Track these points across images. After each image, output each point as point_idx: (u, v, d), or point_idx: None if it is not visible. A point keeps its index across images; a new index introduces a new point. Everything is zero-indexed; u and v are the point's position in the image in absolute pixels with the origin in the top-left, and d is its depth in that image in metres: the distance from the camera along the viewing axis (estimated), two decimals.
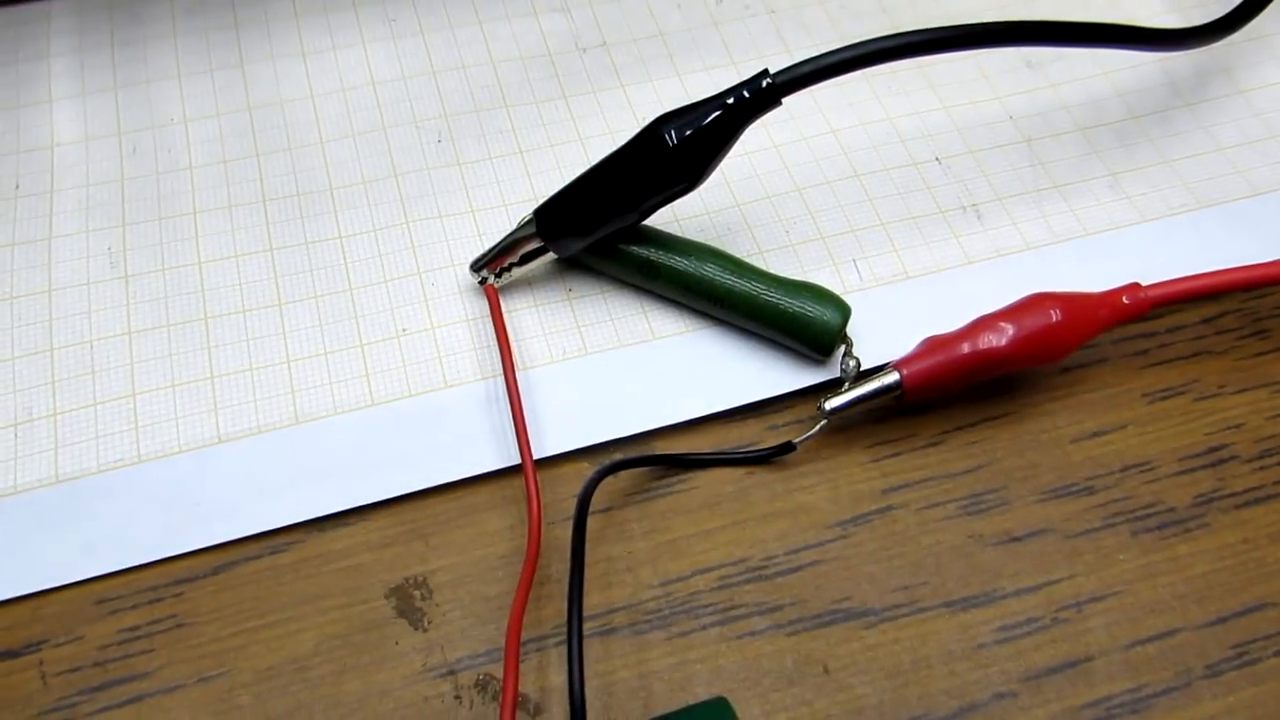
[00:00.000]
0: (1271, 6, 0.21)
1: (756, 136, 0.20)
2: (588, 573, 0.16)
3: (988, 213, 0.20)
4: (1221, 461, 0.18)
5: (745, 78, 0.17)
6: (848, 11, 0.23)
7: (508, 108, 0.21)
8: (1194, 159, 0.21)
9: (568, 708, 0.15)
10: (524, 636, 0.16)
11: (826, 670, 0.16)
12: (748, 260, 0.18)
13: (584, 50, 0.22)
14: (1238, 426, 0.18)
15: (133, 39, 0.22)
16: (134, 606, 0.16)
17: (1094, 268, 0.19)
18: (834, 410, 0.17)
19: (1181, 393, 0.19)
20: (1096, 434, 0.18)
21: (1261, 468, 0.18)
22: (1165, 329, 0.19)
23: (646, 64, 0.22)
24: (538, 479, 0.16)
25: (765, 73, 0.16)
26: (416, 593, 0.16)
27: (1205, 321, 0.19)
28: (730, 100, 0.16)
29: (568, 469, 0.17)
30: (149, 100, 0.21)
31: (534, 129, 0.21)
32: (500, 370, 0.18)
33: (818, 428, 0.17)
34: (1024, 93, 0.22)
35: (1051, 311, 0.17)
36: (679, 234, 0.19)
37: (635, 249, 0.18)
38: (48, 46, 0.22)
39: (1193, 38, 0.20)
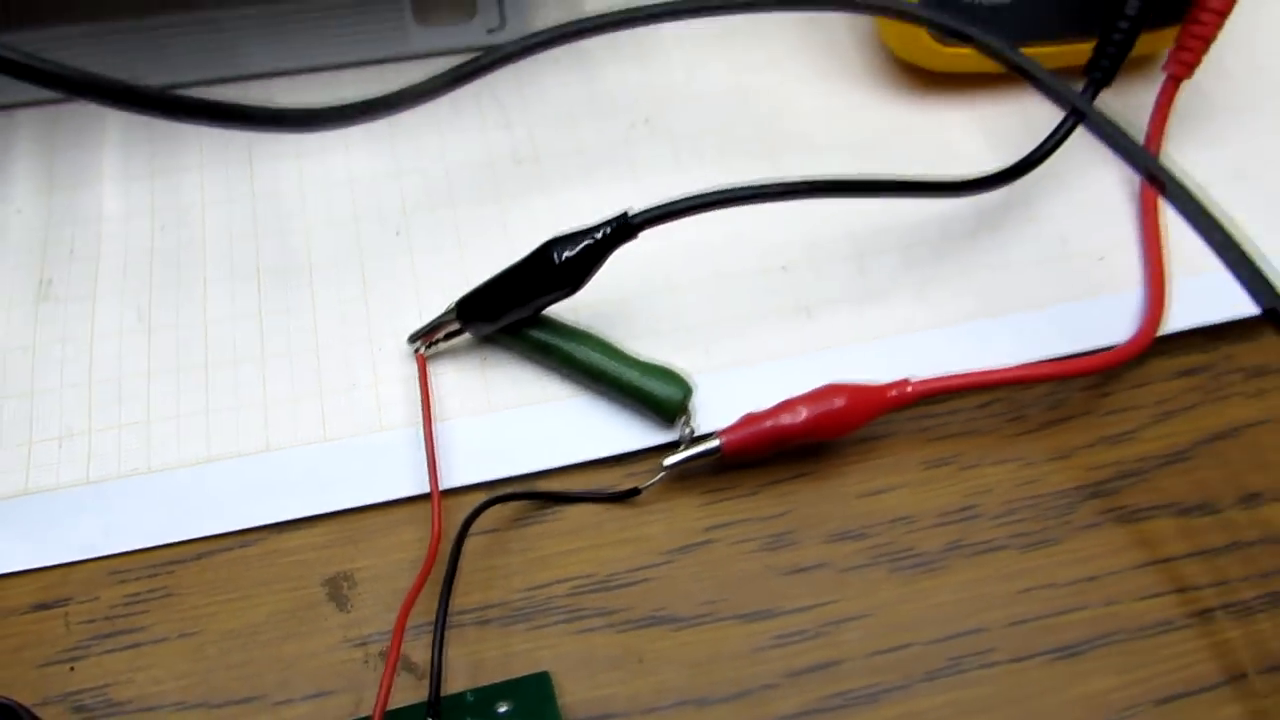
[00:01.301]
0: (1061, 152, 0.26)
1: (637, 242, 0.26)
2: (473, 578, 0.22)
3: (817, 313, 0.26)
4: (970, 518, 0.23)
5: (623, 211, 0.23)
6: (737, 148, 0.28)
7: (454, 207, 0.27)
8: (989, 274, 0.26)
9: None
10: (418, 620, 0.21)
11: (641, 660, 0.21)
12: (618, 344, 0.24)
13: (519, 162, 0.28)
14: (988, 491, 0.24)
15: (167, 133, 0.28)
16: (137, 578, 0.22)
17: (893, 361, 0.25)
18: (670, 466, 0.23)
19: (949, 462, 0.24)
20: (878, 491, 0.24)
21: (1000, 525, 0.23)
22: (946, 410, 0.25)
23: (568, 176, 0.28)
24: (441, 504, 0.22)
25: (626, 214, 0.22)
26: (344, 584, 0.22)
27: (979, 406, 0.25)
28: (598, 235, 0.22)
29: (468, 498, 0.23)
30: (177, 188, 0.27)
31: (472, 226, 0.27)
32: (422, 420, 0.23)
33: (658, 478, 0.23)
34: (860, 214, 0.27)
35: (836, 399, 0.23)
36: (569, 320, 0.25)
37: (533, 332, 0.24)
38: (102, 137, 0.28)
39: (988, 184, 0.26)
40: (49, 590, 0.22)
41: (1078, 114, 0.24)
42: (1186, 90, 0.28)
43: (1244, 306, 0.21)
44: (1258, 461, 0.24)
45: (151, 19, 0.28)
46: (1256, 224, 0.27)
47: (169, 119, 0.19)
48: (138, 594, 0.22)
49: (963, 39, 0.24)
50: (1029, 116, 0.29)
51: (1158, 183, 0.22)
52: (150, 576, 0.22)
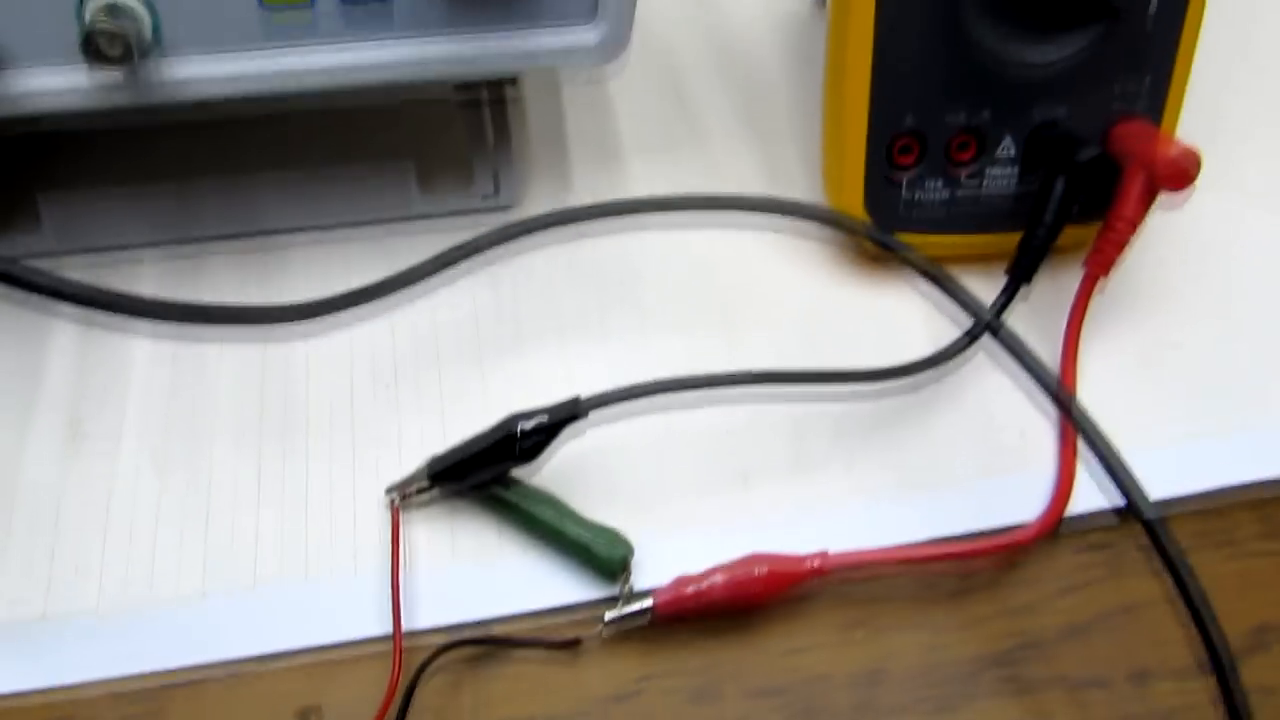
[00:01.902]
0: (977, 347, 0.29)
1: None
2: (424, 717, 0.25)
3: (754, 481, 0.28)
4: (879, 682, 0.26)
5: (575, 396, 0.26)
6: (699, 317, 0.31)
7: (439, 365, 0.30)
8: (915, 448, 0.29)
9: None
10: None
11: None
12: (569, 503, 0.27)
13: (501, 323, 0.31)
14: (897, 655, 0.26)
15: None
16: (133, 702, 0.25)
17: (820, 530, 0.27)
18: (608, 622, 0.25)
19: (865, 625, 0.26)
20: (798, 650, 0.26)
21: (906, 689, 0.26)
22: (865, 576, 0.27)
23: (544, 339, 0.31)
24: (403, 646, 0.25)
25: (578, 399, 0.25)
26: (313, 717, 0.25)
27: (897, 576, 0.27)
28: (553, 416, 0.25)
29: (430, 638, 0.26)
30: (200, 349, 0.30)
31: (454, 384, 0.30)
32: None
33: (597, 630, 0.26)
34: (801, 387, 0.30)
35: (759, 568, 0.25)
36: (529, 478, 0.27)
37: (495, 490, 0.27)
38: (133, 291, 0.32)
39: (899, 374, 0.28)
40: (57, 709, 0.25)
41: (982, 326, 0.26)
42: (1106, 281, 0.31)
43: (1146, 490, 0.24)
44: (1152, 639, 0.27)
45: (184, 183, 0.32)
46: (1162, 410, 0.30)
47: (184, 324, 0.22)
48: (134, 715, 0.25)
49: (885, 248, 0.27)
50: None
51: (1048, 391, 0.24)
52: (147, 700, 0.25)
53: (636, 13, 0.27)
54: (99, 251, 0.32)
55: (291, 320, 0.25)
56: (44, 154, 0.33)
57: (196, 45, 0.26)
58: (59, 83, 0.25)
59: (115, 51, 0.24)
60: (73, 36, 0.24)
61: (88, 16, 0.24)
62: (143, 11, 0.25)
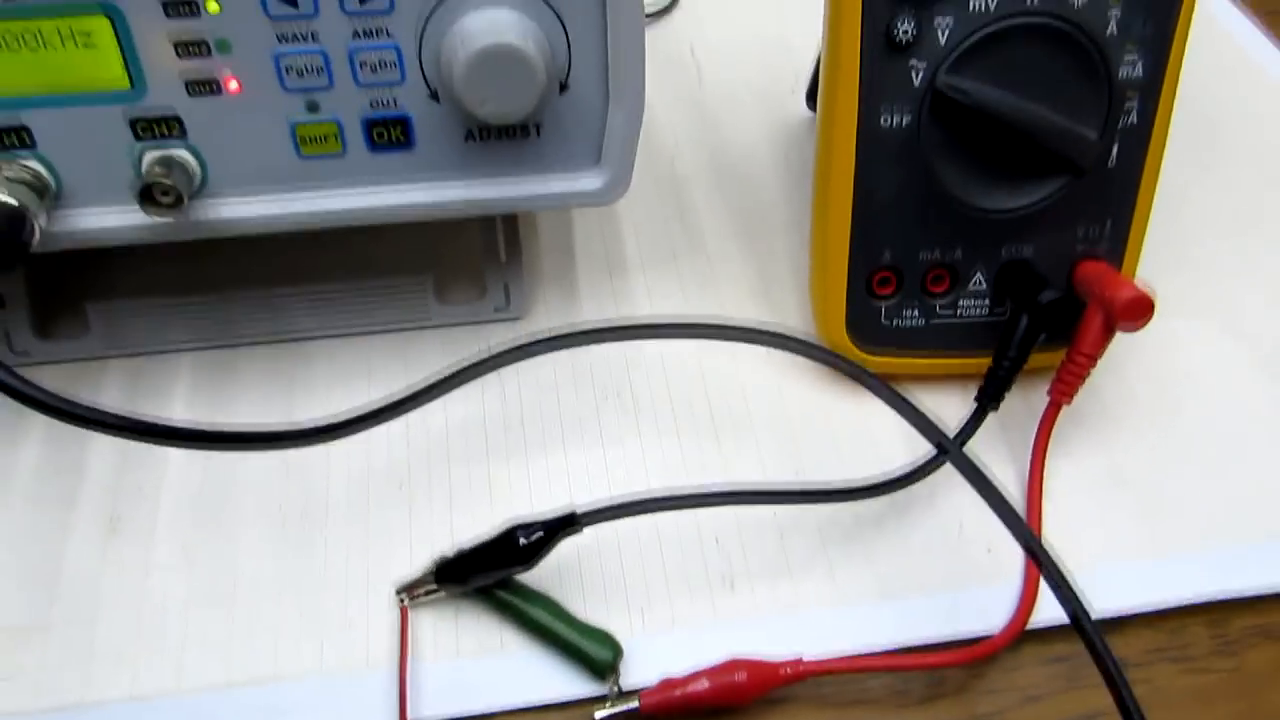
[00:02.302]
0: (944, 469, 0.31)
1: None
2: None
3: (739, 585, 0.30)
4: None
5: (571, 511, 0.28)
6: (690, 423, 0.34)
7: (449, 464, 0.33)
8: (891, 557, 0.31)
9: None
10: None
11: None
12: (565, 605, 0.29)
13: (508, 427, 0.34)
14: None
15: (224, 398, 0.35)
16: None
17: (799, 634, 0.29)
18: (601, 719, 0.27)
19: None
20: None
21: None
22: (841, 679, 0.29)
23: (548, 441, 0.33)
24: None
25: (574, 514, 0.28)
26: None
27: (869, 677, 0.29)
28: (550, 528, 0.28)
29: None
30: (229, 458, 0.33)
31: (463, 483, 0.32)
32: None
33: (605, 715, 0.28)
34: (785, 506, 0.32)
35: (738, 674, 0.27)
36: (529, 580, 0.30)
37: (497, 592, 0.29)
38: (172, 391, 0.35)
39: (868, 493, 0.31)
40: None
41: (945, 453, 0.29)
42: (1072, 405, 0.33)
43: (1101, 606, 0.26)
44: None
45: (220, 292, 0.35)
46: (1123, 527, 0.32)
47: (215, 449, 0.25)
48: None
49: (854, 378, 0.30)
50: (945, 415, 0.34)
51: (1002, 518, 0.27)
52: None
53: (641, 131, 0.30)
54: (137, 357, 0.35)
55: (316, 441, 0.27)
56: (92, 264, 0.36)
57: (240, 189, 0.29)
58: (114, 220, 0.28)
59: (168, 200, 0.27)
60: (129, 182, 0.28)
61: (144, 169, 0.28)
62: (193, 163, 0.28)
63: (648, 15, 0.43)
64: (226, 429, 0.25)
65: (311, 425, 0.27)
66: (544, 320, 0.37)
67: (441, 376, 0.30)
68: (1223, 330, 0.37)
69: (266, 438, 0.26)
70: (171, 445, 0.25)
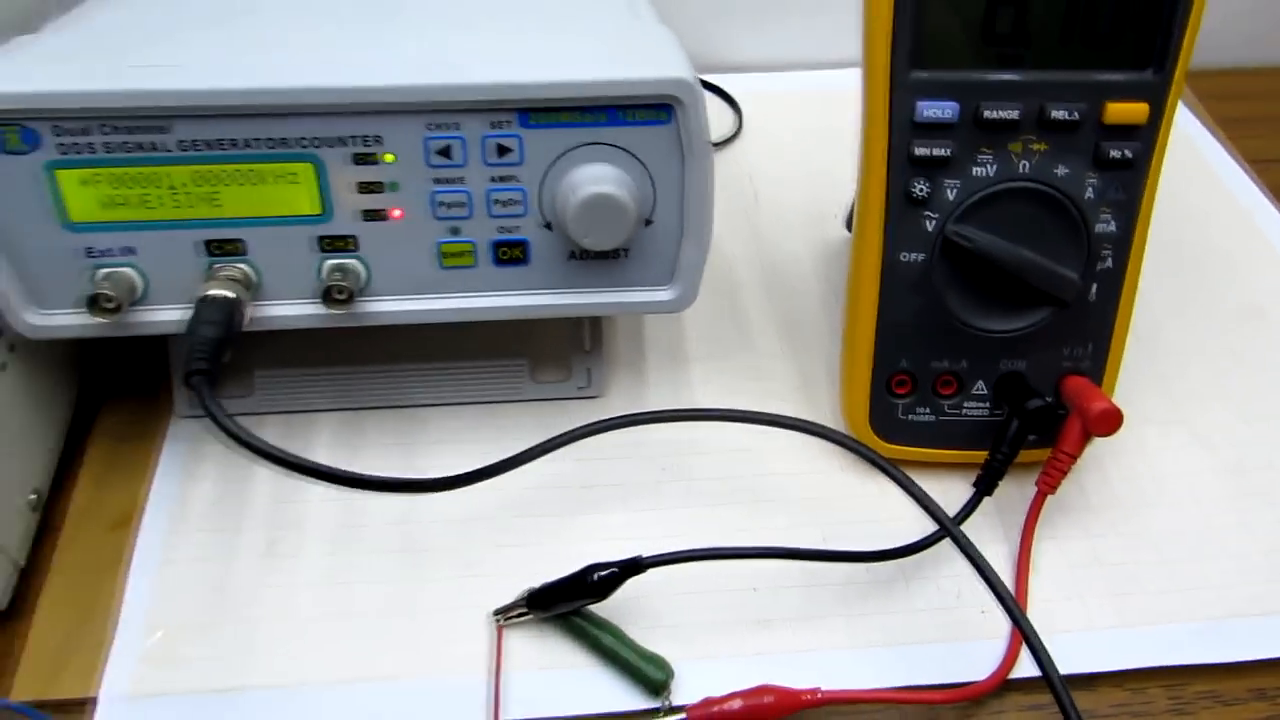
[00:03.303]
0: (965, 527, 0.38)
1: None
2: None
3: (773, 627, 0.37)
4: None
5: (637, 556, 0.35)
6: (732, 495, 0.41)
7: (533, 517, 0.40)
8: (899, 614, 0.37)
9: None
10: None
11: None
12: (627, 633, 0.36)
13: (580, 488, 0.41)
14: None
15: (360, 445, 0.42)
16: None
17: (820, 670, 0.35)
18: None
19: None
20: None
21: None
22: (851, 712, 0.35)
23: (611, 502, 0.41)
24: None
25: (640, 559, 0.35)
26: None
27: (875, 713, 0.35)
28: (621, 569, 0.35)
29: None
30: (361, 496, 0.41)
31: (542, 533, 0.39)
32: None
33: None
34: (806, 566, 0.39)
35: (766, 697, 0.34)
36: (600, 611, 0.37)
37: (574, 619, 0.36)
38: (316, 441, 0.43)
39: (879, 557, 0.37)
40: None
41: (944, 532, 0.35)
42: (1058, 492, 0.39)
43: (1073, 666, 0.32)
44: None
45: (350, 367, 0.43)
46: (1097, 599, 0.38)
47: (356, 489, 0.33)
48: None
49: (873, 464, 0.37)
50: (948, 498, 0.40)
51: (991, 591, 0.33)
52: None
53: None
54: (289, 413, 0.43)
55: (432, 491, 0.35)
56: (256, 340, 0.44)
57: (393, 291, 0.37)
58: (298, 311, 0.37)
59: (342, 298, 0.36)
60: (312, 283, 0.36)
61: (323, 274, 0.36)
62: (362, 271, 0.36)
63: (714, 143, 0.51)
64: (367, 476, 0.33)
65: (433, 478, 0.35)
66: (617, 399, 0.45)
67: (537, 444, 0.38)
68: (1191, 439, 0.43)
69: (394, 485, 0.34)
70: (335, 485, 0.33)
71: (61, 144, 0.33)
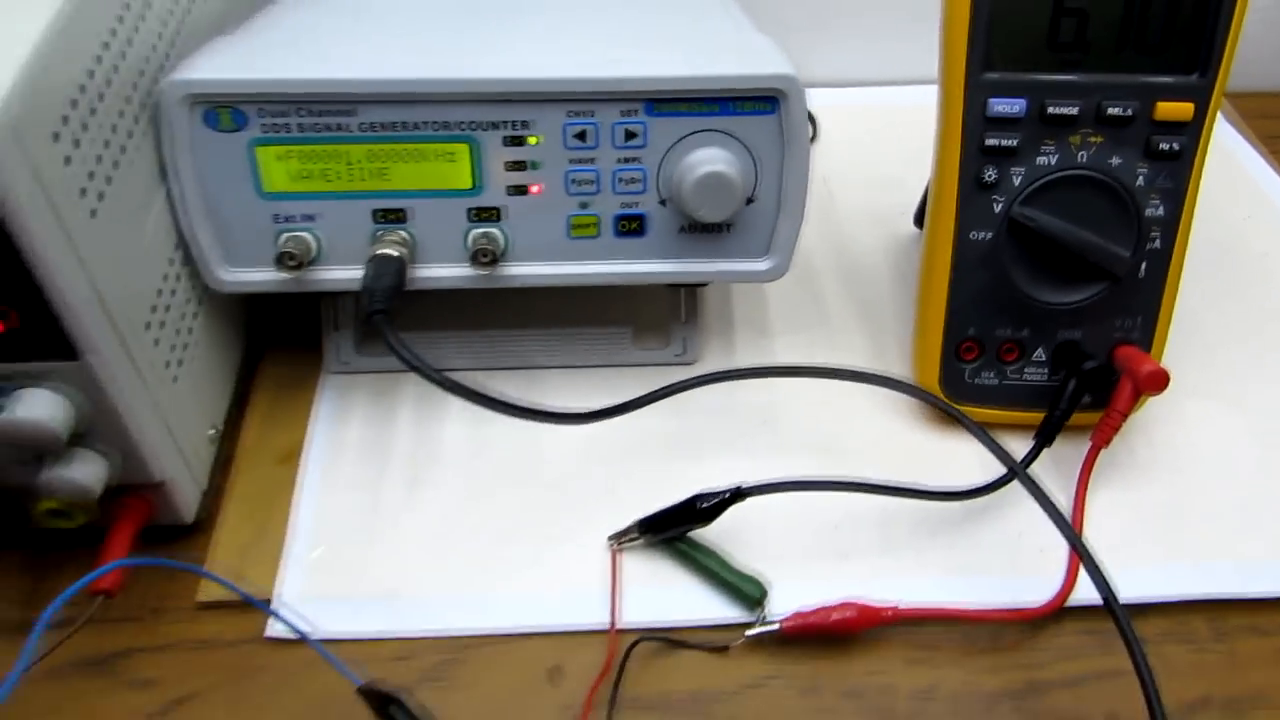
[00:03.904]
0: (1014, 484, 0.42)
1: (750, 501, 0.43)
2: (628, 679, 0.38)
3: (851, 558, 0.42)
4: (928, 699, 0.38)
5: (738, 485, 0.40)
6: (817, 445, 0.46)
7: (643, 462, 0.45)
8: (966, 548, 0.42)
9: None
10: (597, 700, 0.38)
11: None
12: (729, 556, 0.41)
13: (682, 441, 0.46)
14: (942, 684, 0.39)
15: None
16: (454, 649, 0.40)
17: (896, 591, 0.40)
18: (748, 636, 0.39)
19: (923, 662, 0.39)
20: (873, 671, 0.39)
21: (945, 708, 0.38)
22: (925, 629, 0.40)
23: (712, 452, 0.46)
24: (617, 636, 0.39)
25: (740, 487, 0.40)
26: (558, 673, 0.39)
27: (943, 631, 0.40)
28: (723, 496, 0.40)
29: (632, 634, 0.40)
30: (488, 431, 0.47)
31: (653, 475, 0.45)
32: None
33: (741, 640, 0.39)
34: (889, 499, 0.44)
35: (850, 611, 0.39)
36: (703, 537, 0.42)
37: (679, 544, 0.41)
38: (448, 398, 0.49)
39: (954, 497, 0.42)
40: (398, 648, 0.40)
41: (1013, 474, 0.40)
42: (1109, 452, 0.44)
43: (1123, 595, 0.37)
44: (1122, 694, 0.38)
45: (479, 331, 0.49)
46: (1145, 540, 0.42)
47: (508, 416, 0.39)
48: (445, 659, 0.39)
49: (948, 414, 0.42)
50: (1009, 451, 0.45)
51: (1056, 525, 0.38)
52: (455, 650, 0.40)
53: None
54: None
55: (569, 423, 0.41)
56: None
57: (529, 256, 0.43)
58: (449, 272, 0.43)
59: (486, 261, 0.42)
60: (461, 248, 0.42)
61: (470, 241, 0.42)
62: (502, 238, 0.42)
63: None
64: (520, 403, 0.39)
65: (576, 412, 0.41)
66: (710, 365, 0.50)
67: (652, 390, 0.43)
68: (1230, 410, 0.48)
69: (549, 415, 0.40)
70: (485, 408, 0.39)
71: (264, 124, 0.39)
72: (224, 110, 0.39)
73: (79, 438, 0.36)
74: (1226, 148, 0.65)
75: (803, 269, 0.56)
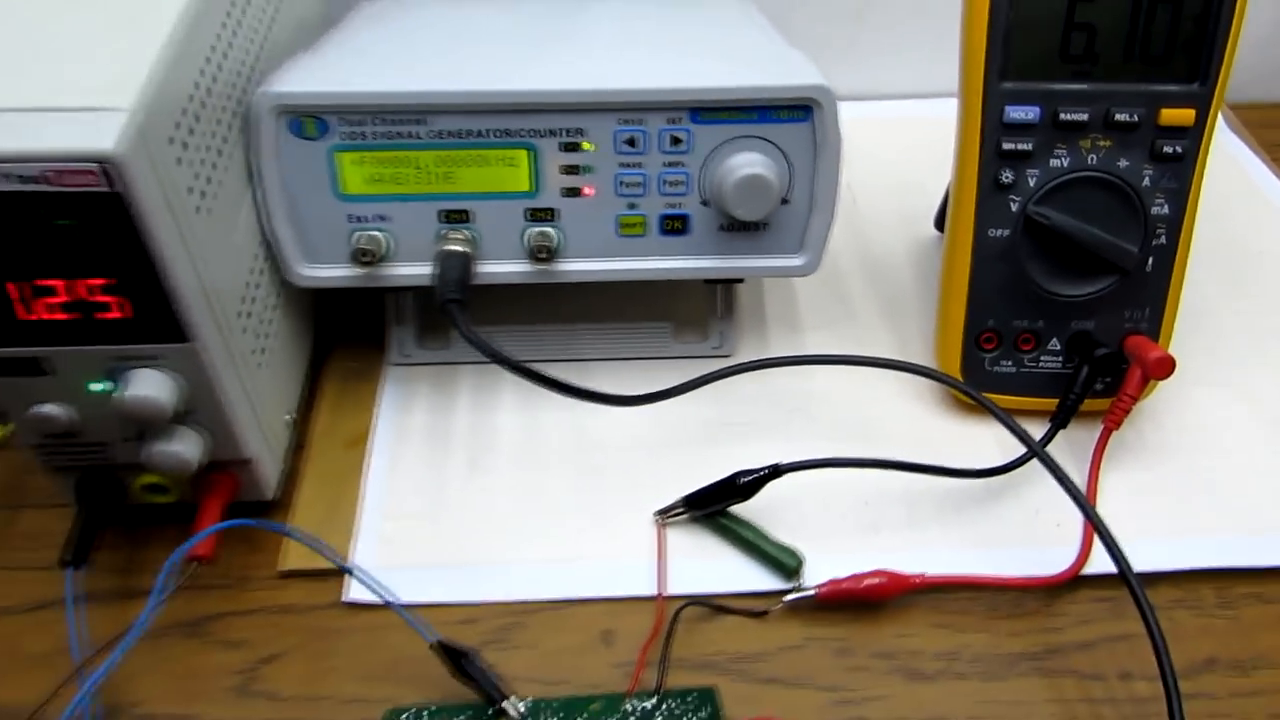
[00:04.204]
0: (1032, 464, 0.45)
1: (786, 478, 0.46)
2: (676, 641, 0.42)
3: (881, 529, 0.45)
4: (954, 658, 0.41)
5: (776, 461, 0.44)
6: (846, 430, 0.49)
7: (686, 446, 0.49)
8: (986, 523, 0.45)
9: None
10: (648, 660, 0.41)
11: (759, 700, 0.40)
12: (766, 530, 0.44)
13: (722, 426, 0.50)
14: (968, 646, 0.42)
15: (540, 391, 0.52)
16: (514, 614, 0.43)
17: (923, 563, 0.43)
18: (786, 602, 0.42)
19: (948, 626, 0.42)
20: (902, 635, 0.42)
21: (972, 664, 0.41)
22: (951, 597, 0.43)
23: (749, 437, 0.49)
24: (665, 603, 0.42)
25: (778, 465, 0.43)
26: (610, 636, 0.42)
27: (969, 599, 0.43)
28: (762, 473, 0.43)
29: (677, 601, 0.43)
30: (538, 418, 0.50)
31: (693, 458, 0.48)
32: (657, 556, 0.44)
33: (778, 606, 0.42)
34: (913, 479, 0.47)
35: (881, 578, 0.42)
36: (743, 512, 0.45)
37: (720, 519, 0.45)
38: (501, 388, 0.52)
39: (977, 475, 0.45)
40: (466, 612, 0.43)
41: (1032, 453, 0.43)
42: (1120, 436, 0.47)
43: (1135, 565, 0.40)
44: (1134, 655, 0.41)
45: (531, 327, 0.53)
46: (1153, 517, 0.46)
47: (566, 396, 0.42)
48: (508, 622, 0.43)
49: (972, 399, 0.45)
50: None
51: (1073, 499, 0.41)
52: (518, 614, 0.43)
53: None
54: (479, 364, 0.53)
55: (620, 405, 0.44)
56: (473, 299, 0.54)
57: (581, 253, 0.47)
58: (507, 269, 0.47)
59: (543, 257, 0.45)
60: (519, 246, 0.46)
61: (527, 238, 0.46)
62: (557, 237, 0.46)
63: None
64: (577, 385, 0.43)
65: (626, 395, 0.45)
66: (745, 357, 0.53)
67: (696, 377, 0.47)
68: (1236, 397, 0.51)
69: (602, 397, 0.43)
70: (563, 395, 0.42)
71: (344, 132, 0.43)
72: (309, 119, 0.43)
73: (180, 416, 0.40)
74: (1232, 155, 0.68)
75: (830, 269, 0.59)
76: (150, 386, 0.37)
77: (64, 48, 0.35)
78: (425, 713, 0.39)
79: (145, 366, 0.38)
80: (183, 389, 0.39)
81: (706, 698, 0.40)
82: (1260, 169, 0.67)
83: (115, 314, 0.36)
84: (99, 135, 0.31)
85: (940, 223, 0.60)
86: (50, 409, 0.39)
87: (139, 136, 0.33)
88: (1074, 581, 0.44)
